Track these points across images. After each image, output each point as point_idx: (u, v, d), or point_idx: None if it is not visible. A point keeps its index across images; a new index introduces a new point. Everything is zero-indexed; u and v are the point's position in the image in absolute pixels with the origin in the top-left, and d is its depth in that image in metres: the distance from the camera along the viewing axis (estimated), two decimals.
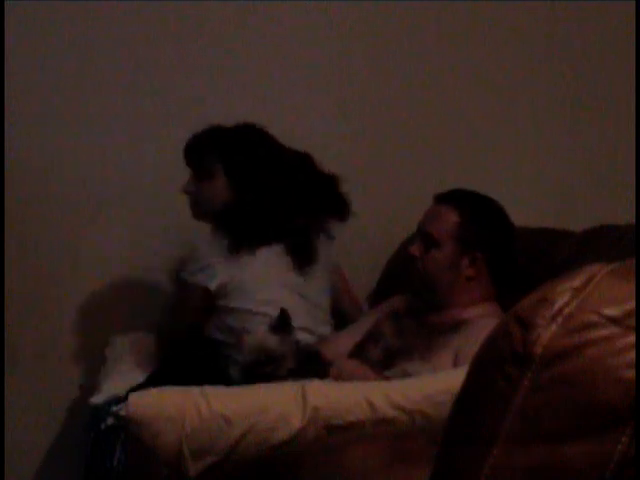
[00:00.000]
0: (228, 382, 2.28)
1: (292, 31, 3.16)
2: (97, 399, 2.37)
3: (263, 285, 2.53)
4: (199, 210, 2.65)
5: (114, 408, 2.19)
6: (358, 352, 2.45)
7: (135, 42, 3.09)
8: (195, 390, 2.04)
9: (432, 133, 3.20)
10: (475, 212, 2.40)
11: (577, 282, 0.83)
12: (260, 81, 3.16)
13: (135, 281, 3.13)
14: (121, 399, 2.19)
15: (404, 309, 2.51)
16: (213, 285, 2.52)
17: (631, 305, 0.80)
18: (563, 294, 0.82)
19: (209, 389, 2.06)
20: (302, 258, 2.58)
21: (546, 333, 0.81)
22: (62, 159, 3.08)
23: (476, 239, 2.37)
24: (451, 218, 2.38)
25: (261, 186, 2.56)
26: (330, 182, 2.63)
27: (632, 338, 0.79)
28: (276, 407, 1.98)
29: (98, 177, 3.10)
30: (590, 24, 3.25)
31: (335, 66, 3.18)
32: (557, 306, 0.82)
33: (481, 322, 2.26)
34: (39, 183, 3.08)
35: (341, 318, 2.76)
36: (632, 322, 0.80)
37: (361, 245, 3.09)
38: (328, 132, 3.16)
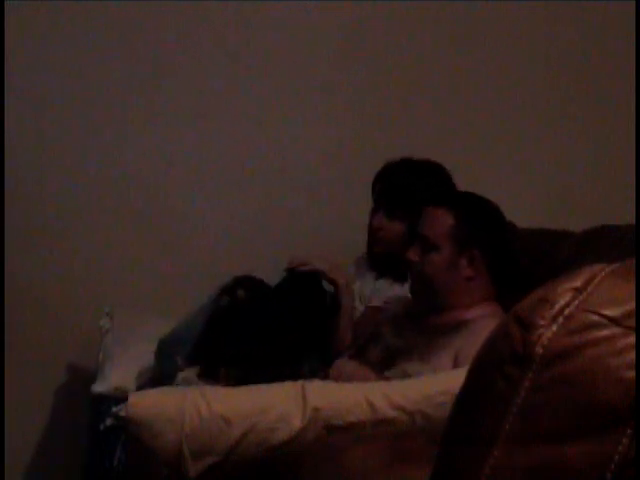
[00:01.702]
0: None
1: (293, 30, 3.17)
2: (98, 387, 2.37)
3: None
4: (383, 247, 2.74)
5: (114, 409, 2.19)
6: (358, 353, 2.45)
7: (136, 42, 3.09)
8: (195, 391, 2.05)
9: (432, 134, 3.20)
10: (469, 211, 2.42)
11: (578, 282, 0.83)
12: (262, 80, 3.16)
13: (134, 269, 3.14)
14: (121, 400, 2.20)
15: (404, 311, 2.52)
16: None
17: (631, 305, 0.80)
18: (564, 294, 0.82)
19: (209, 389, 2.06)
20: None
21: (546, 333, 0.80)
22: (62, 158, 3.08)
23: (472, 237, 2.38)
24: (446, 220, 2.39)
25: None
26: None
27: (632, 338, 0.79)
28: (276, 407, 1.98)
29: (98, 176, 3.10)
30: (590, 24, 3.25)
31: (338, 65, 3.19)
32: (558, 306, 0.82)
33: (481, 322, 2.26)
34: (39, 181, 3.08)
35: None
36: (632, 322, 0.80)
37: (362, 244, 3.09)
38: (330, 132, 3.17)
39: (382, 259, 2.73)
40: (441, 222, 2.39)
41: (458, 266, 2.37)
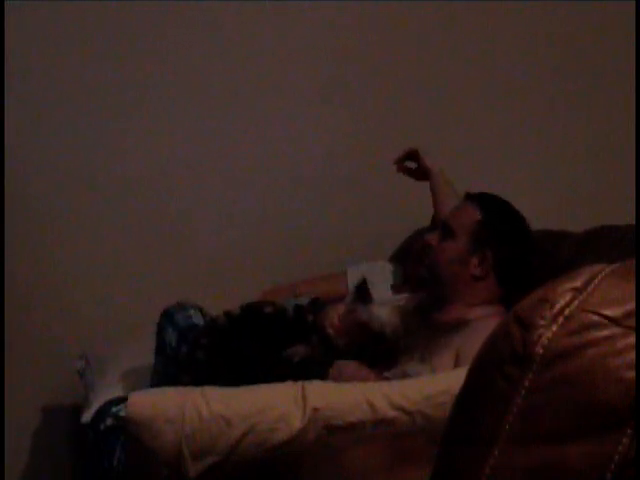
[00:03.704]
0: None
1: (296, 30, 3.17)
2: (86, 418, 2.37)
3: None
4: None
5: (114, 409, 2.19)
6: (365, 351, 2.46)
7: (138, 42, 3.09)
8: (195, 391, 2.04)
9: (436, 134, 3.20)
10: (497, 215, 2.45)
11: (578, 282, 0.83)
12: (263, 80, 3.16)
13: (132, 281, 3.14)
14: (121, 400, 2.19)
15: (415, 305, 2.53)
16: None
17: (631, 305, 0.80)
18: (564, 294, 0.82)
19: (209, 389, 2.06)
20: None
21: (547, 333, 0.80)
22: (62, 158, 3.08)
23: (490, 240, 2.40)
24: (473, 215, 2.43)
25: None
26: None
27: (632, 338, 0.79)
28: (276, 408, 1.98)
29: (97, 178, 3.10)
30: (590, 24, 3.25)
31: (341, 65, 3.19)
32: (558, 306, 0.81)
33: (483, 322, 2.26)
34: (38, 182, 3.08)
35: None
36: (632, 322, 0.80)
37: (363, 241, 3.10)
38: (336, 132, 3.17)
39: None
40: (467, 215, 2.44)
41: (468, 262, 2.40)
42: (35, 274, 3.09)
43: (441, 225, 2.48)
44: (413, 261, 2.78)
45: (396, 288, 2.89)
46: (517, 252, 2.44)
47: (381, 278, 2.88)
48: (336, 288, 2.82)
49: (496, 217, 2.44)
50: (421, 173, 2.75)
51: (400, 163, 2.76)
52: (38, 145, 3.07)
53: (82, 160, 3.09)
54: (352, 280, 2.84)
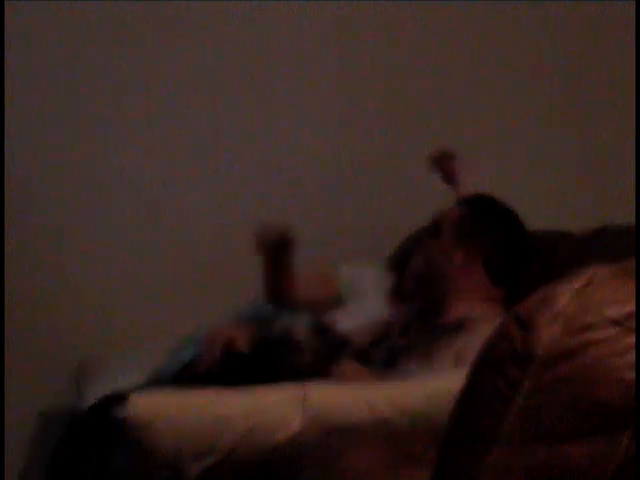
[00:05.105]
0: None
1: (296, 32, 3.17)
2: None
3: None
4: None
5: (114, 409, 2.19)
6: (363, 353, 2.47)
7: (138, 42, 3.09)
8: (195, 391, 2.05)
9: (436, 134, 3.20)
10: (480, 210, 2.48)
11: (578, 283, 0.83)
12: (261, 82, 3.17)
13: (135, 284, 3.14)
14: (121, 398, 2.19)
15: (415, 310, 2.55)
16: None
17: (631, 306, 0.80)
18: (564, 295, 0.82)
19: (209, 390, 2.06)
20: None
21: (547, 334, 0.81)
22: (63, 160, 3.08)
23: (474, 234, 2.43)
24: (456, 212, 2.47)
25: None
26: None
27: (632, 339, 0.79)
28: (276, 408, 1.98)
29: (98, 179, 3.10)
30: (590, 24, 3.25)
31: (340, 65, 3.19)
32: (558, 307, 0.82)
33: (483, 322, 2.26)
34: (39, 184, 3.08)
35: None
36: (632, 323, 0.80)
37: (362, 242, 3.10)
38: (335, 132, 3.17)
39: None
40: (451, 212, 2.48)
41: (452, 256, 2.43)
42: (36, 277, 3.09)
43: (430, 226, 2.52)
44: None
45: (389, 299, 2.88)
46: (508, 249, 2.46)
47: (372, 285, 2.88)
48: (329, 290, 2.83)
49: (479, 211, 2.48)
50: (447, 178, 2.73)
51: (434, 162, 2.74)
52: (38, 147, 3.07)
53: (83, 162, 3.08)
54: (344, 280, 2.86)
